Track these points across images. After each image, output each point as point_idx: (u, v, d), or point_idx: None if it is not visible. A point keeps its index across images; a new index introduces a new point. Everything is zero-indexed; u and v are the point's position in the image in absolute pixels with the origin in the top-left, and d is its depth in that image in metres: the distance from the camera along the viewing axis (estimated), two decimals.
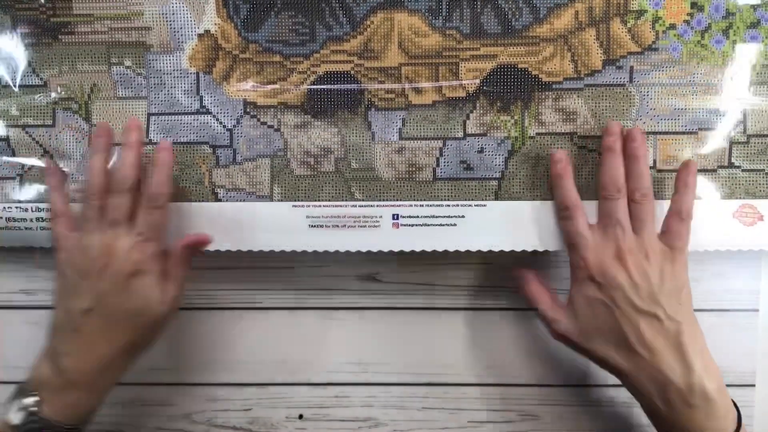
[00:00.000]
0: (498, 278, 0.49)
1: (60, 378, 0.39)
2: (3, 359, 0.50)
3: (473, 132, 0.44)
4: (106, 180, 0.42)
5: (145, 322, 0.41)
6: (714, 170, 0.43)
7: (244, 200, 0.45)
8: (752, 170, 0.43)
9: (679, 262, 0.40)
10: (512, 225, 0.44)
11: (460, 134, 0.44)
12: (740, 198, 0.43)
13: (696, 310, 0.47)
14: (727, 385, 0.47)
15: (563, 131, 0.44)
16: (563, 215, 0.42)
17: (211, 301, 0.49)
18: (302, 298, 0.49)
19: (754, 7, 0.42)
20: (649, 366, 0.39)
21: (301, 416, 0.50)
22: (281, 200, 0.45)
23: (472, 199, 0.44)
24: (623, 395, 0.48)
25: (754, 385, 0.48)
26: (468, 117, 0.44)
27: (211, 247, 0.45)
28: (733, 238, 0.43)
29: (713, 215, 0.43)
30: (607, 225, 0.41)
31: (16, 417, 0.38)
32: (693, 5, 0.42)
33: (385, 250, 0.44)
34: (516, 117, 0.44)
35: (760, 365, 0.48)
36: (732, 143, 0.43)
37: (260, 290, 0.49)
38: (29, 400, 0.39)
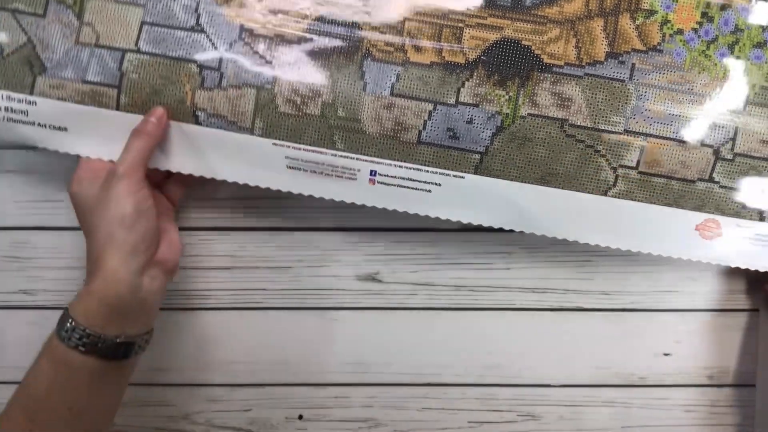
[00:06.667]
0: (498, 278, 0.49)
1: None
2: (3, 359, 0.49)
3: (465, 101, 0.43)
4: None
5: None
6: (693, 181, 0.43)
7: (224, 128, 0.44)
8: (728, 188, 0.43)
9: None
10: (485, 201, 0.44)
11: (452, 101, 0.43)
12: (709, 212, 0.43)
13: (696, 310, 0.47)
14: (727, 385, 0.47)
15: (555, 116, 0.43)
16: None
17: (211, 301, 0.48)
18: (302, 298, 0.49)
19: (764, 28, 0.42)
20: None
21: (300, 417, 0.50)
22: (262, 135, 0.44)
23: (452, 169, 0.44)
24: (622, 396, 0.48)
25: (754, 385, 0.47)
26: (463, 85, 0.43)
27: (183, 170, 0.44)
28: (690, 249, 0.44)
29: (677, 224, 0.43)
30: None
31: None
32: (704, 15, 0.42)
33: (358, 203, 0.44)
34: (511, 93, 0.43)
35: (760, 365, 0.48)
36: (717, 159, 0.43)
37: (260, 290, 0.48)
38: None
